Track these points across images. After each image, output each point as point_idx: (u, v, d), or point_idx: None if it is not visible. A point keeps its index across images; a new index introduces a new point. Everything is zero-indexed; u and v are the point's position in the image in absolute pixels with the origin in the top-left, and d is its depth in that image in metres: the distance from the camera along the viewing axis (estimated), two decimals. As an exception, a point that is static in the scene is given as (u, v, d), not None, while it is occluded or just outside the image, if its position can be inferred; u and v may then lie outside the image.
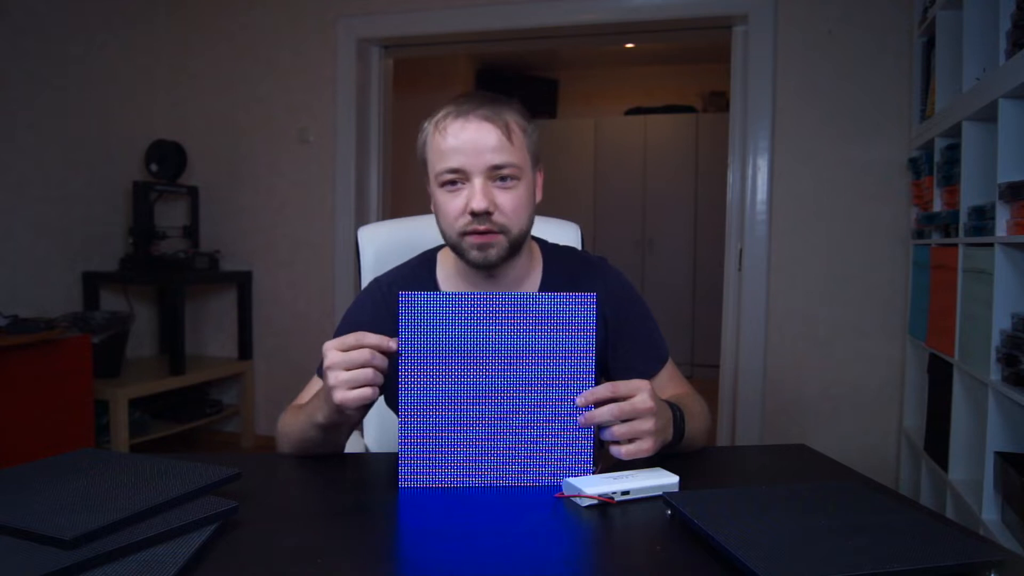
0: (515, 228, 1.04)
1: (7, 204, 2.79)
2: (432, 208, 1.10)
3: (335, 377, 0.87)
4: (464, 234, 1.03)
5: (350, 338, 0.88)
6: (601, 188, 5.33)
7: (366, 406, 0.91)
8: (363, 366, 0.87)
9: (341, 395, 0.87)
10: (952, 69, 2.07)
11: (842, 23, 2.70)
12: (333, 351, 0.88)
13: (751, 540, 0.65)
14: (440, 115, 1.05)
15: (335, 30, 3.22)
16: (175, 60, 3.44)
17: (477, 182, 1.01)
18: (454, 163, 1.01)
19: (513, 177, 1.03)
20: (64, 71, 3.00)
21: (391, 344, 0.88)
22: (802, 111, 2.76)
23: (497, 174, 1.02)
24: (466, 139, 1.01)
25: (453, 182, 1.03)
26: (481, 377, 0.88)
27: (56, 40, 2.96)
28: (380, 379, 0.88)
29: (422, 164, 1.09)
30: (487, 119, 1.02)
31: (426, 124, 1.07)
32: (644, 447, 0.88)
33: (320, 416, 0.94)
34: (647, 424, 0.88)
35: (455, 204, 1.03)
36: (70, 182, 3.05)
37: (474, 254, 1.04)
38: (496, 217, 1.02)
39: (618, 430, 0.88)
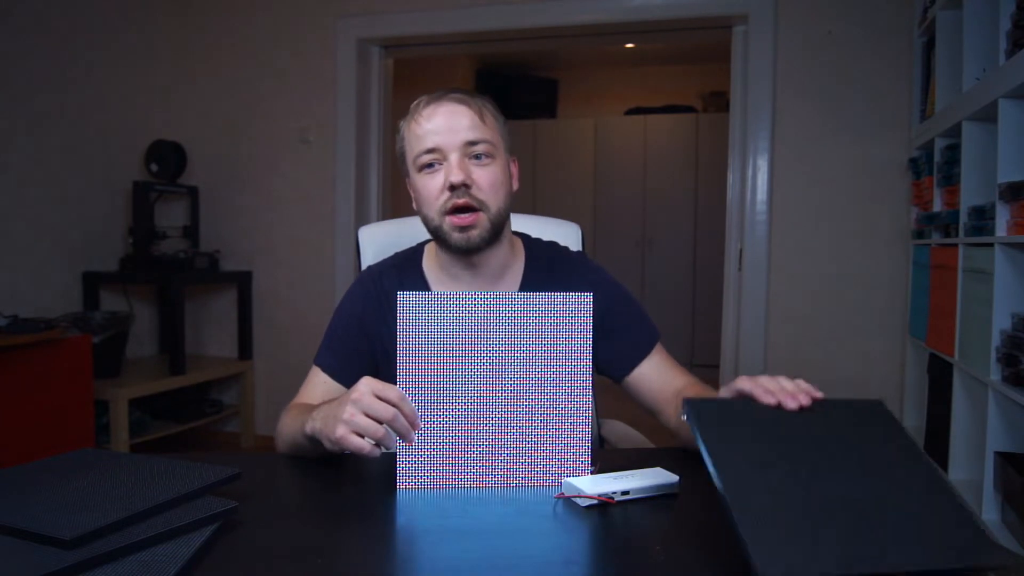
0: (494, 206, 1.07)
1: (7, 204, 2.79)
2: (414, 203, 1.12)
3: (349, 414, 0.83)
4: (445, 213, 1.05)
5: (393, 391, 0.85)
6: (601, 188, 5.33)
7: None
8: (382, 421, 0.84)
9: (343, 432, 0.84)
10: (952, 69, 2.07)
11: (842, 23, 2.70)
12: (368, 391, 0.85)
13: (761, 515, 0.63)
14: (413, 107, 1.10)
15: (335, 30, 3.21)
16: (175, 60, 3.44)
17: (453, 158, 1.05)
18: (430, 143, 1.05)
19: (488, 155, 1.07)
20: (64, 71, 3.00)
21: (413, 429, 0.86)
22: (802, 111, 2.76)
23: (472, 151, 1.06)
24: (440, 120, 1.05)
25: (431, 164, 1.06)
26: (479, 377, 0.88)
27: (56, 40, 2.95)
28: (388, 443, 0.85)
29: (401, 160, 1.13)
30: (460, 101, 1.07)
31: (402, 123, 1.12)
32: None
33: (308, 428, 0.92)
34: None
35: (434, 184, 1.06)
36: (70, 182, 3.05)
37: (456, 236, 1.06)
38: (474, 191, 1.05)
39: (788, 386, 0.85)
